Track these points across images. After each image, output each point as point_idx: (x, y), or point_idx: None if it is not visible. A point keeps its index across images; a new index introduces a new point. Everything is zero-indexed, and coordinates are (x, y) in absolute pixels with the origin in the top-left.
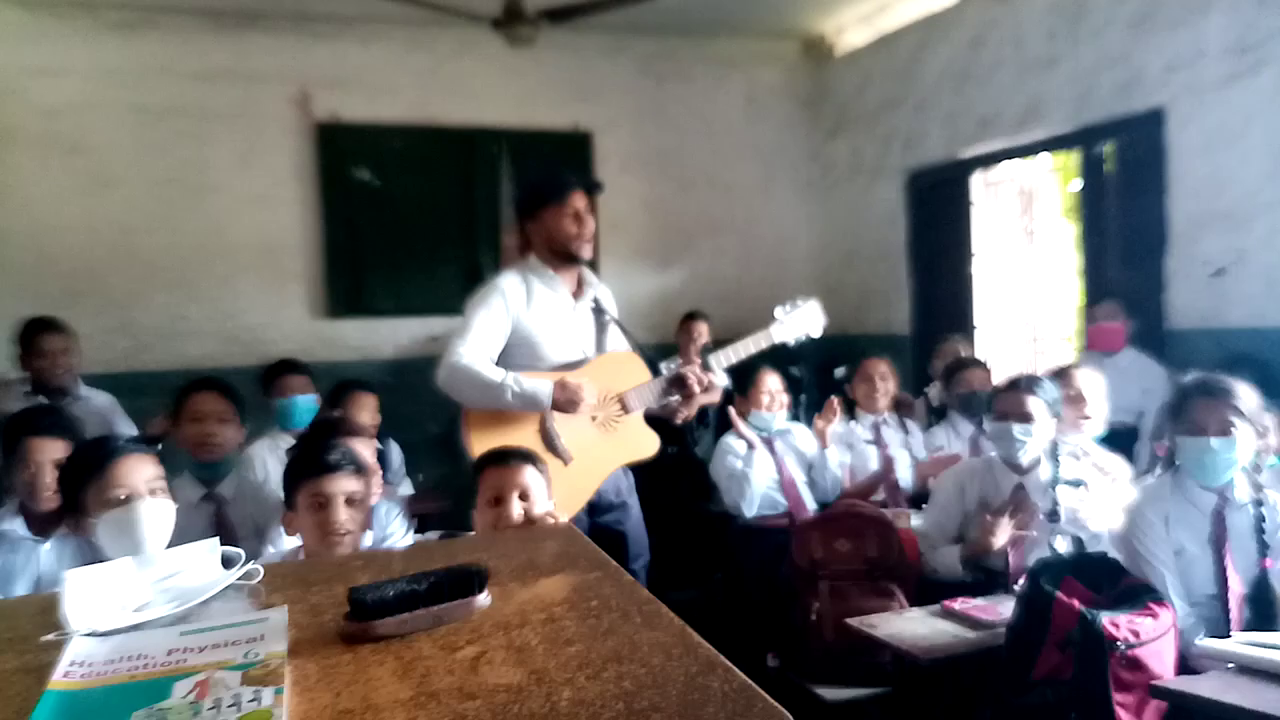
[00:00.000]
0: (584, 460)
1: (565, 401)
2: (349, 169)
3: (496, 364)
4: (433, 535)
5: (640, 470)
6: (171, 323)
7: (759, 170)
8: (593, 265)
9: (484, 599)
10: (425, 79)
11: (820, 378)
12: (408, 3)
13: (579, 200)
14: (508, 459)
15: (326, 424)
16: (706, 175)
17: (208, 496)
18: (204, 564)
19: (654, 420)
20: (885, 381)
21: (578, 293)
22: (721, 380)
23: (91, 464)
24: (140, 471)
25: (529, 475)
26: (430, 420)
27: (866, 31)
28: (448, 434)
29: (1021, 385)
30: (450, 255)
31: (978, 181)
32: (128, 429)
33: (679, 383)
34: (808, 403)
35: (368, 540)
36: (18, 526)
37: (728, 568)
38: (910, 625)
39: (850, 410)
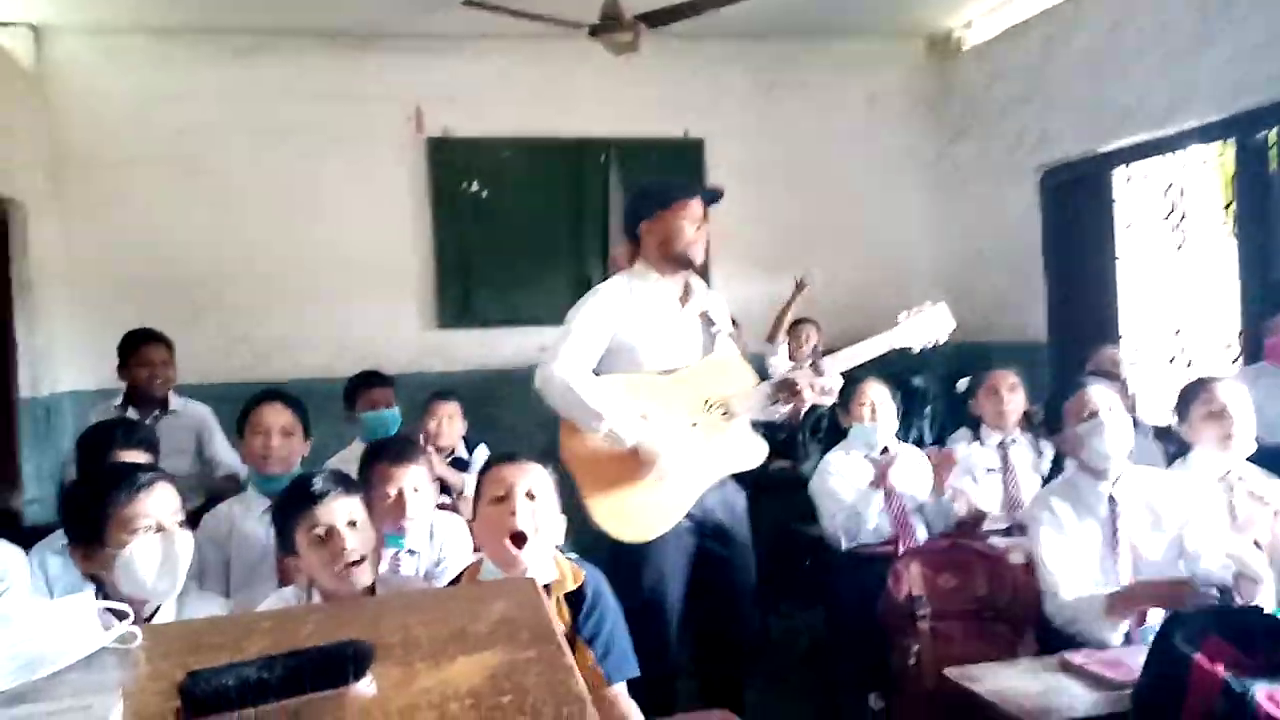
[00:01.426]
0: (685, 470)
1: (644, 455)
2: (460, 183)
3: (596, 370)
4: None
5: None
6: (289, 335)
7: (880, 175)
8: (703, 274)
9: (364, 687)
10: (533, 92)
11: (948, 389)
12: (510, 14)
13: (697, 206)
14: (516, 456)
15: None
16: (824, 181)
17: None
18: (78, 623)
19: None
20: (1014, 394)
21: (684, 298)
22: (836, 382)
23: (118, 492)
24: (167, 503)
25: (538, 476)
26: (537, 431)
27: (995, 24)
28: (552, 446)
29: (1080, 385)
30: (559, 266)
31: (1120, 178)
32: (222, 441)
33: (787, 387)
34: (933, 416)
35: (410, 565)
36: None
37: (829, 597)
38: (1020, 680)
39: (975, 429)
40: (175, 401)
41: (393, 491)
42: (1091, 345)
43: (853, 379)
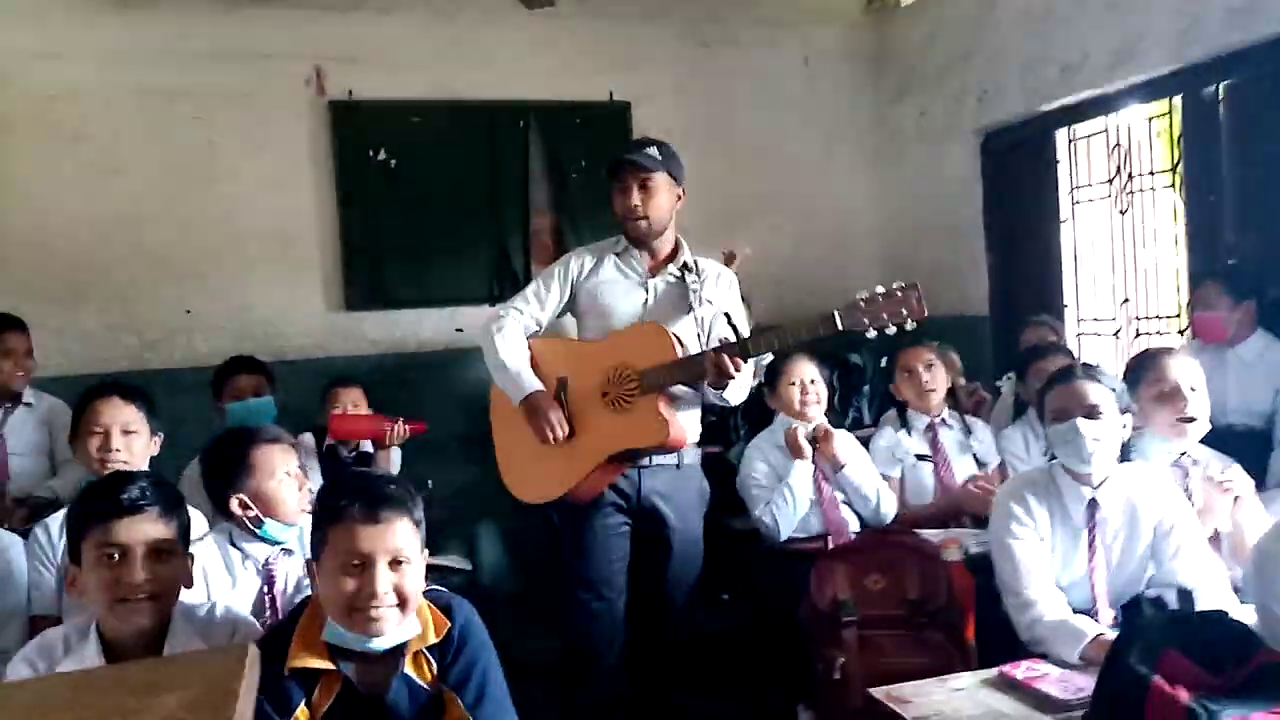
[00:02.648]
0: (586, 437)
1: (528, 412)
2: (366, 151)
3: (546, 331)
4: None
5: None
6: (180, 318)
7: (816, 139)
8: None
9: None
10: (445, 53)
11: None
12: None
13: (626, 174)
14: (378, 514)
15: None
16: (758, 147)
17: None
18: None
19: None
20: (932, 372)
21: (657, 268)
22: (747, 372)
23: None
24: None
25: (404, 534)
26: (457, 417)
27: None
28: (479, 432)
29: (1078, 373)
30: (476, 241)
31: (1062, 139)
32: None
33: (695, 366)
34: (872, 396)
35: (285, 568)
36: None
37: (755, 598)
38: (955, 700)
39: (903, 413)
40: (29, 395)
41: (289, 472)
42: (1033, 317)
43: (780, 355)
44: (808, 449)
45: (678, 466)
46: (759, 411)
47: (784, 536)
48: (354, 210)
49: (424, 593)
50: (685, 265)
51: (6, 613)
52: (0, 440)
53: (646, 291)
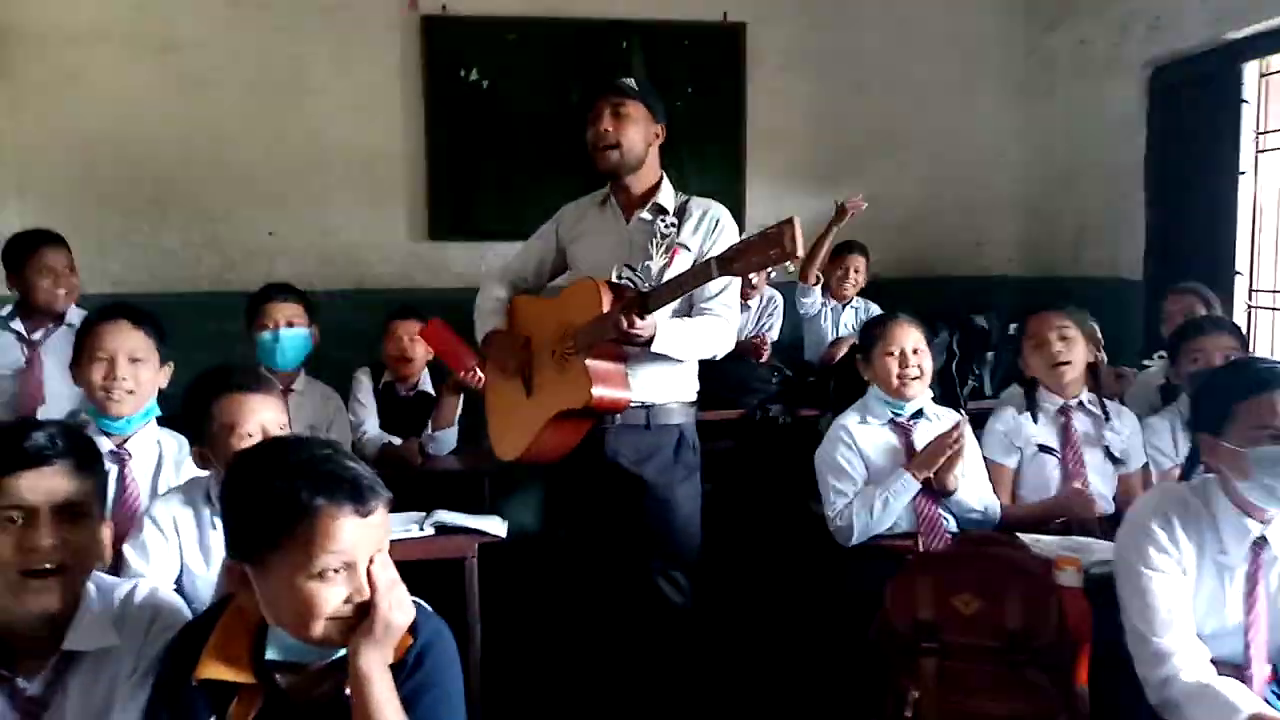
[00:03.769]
0: (537, 397)
1: (492, 352)
2: (457, 70)
3: (530, 291)
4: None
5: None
6: (263, 240)
7: (956, 70)
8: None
9: None
10: None
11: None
12: None
13: (601, 102)
14: (367, 505)
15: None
16: (888, 76)
17: (114, 454)
18: None
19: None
20: (1067, 344)
21: (631, 210)
22: (649, 329)
23: None
24: None
25: (382, 535)
26: None
27: None
28: None
29: (1261, 379)
30: (570, 170)
31: (1251, 74)
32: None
33: (599, 328)
34: (994, 365)
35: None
36: None
37: (829, 598)
38: None
39: (1032, 391)
40: (74, 315)
41: (249, 426)
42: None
43: (880, 319)
44: (947, 472)
45: (646, 427)
46: (848, 376)
47: (855, 543)
48: (442, 133)
49: None
50: (658, 206)
51: None
52: (38, 361)
53: (620, 240)
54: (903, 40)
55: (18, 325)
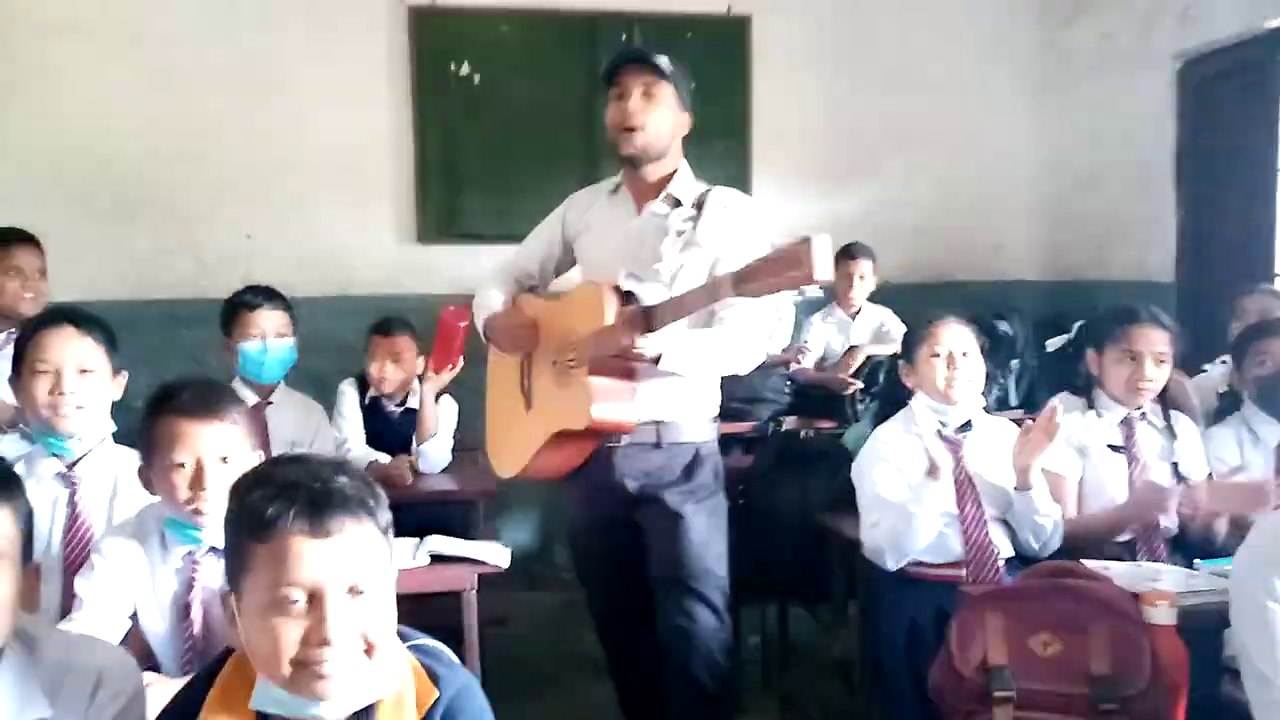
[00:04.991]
0: (537, 412)
1: (497, 335)
2: (448, 64)
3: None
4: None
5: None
6: (241, 243)
7: (969, 65)
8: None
9: None
10: None
11: (1040, 338)
12: None
13: (629, 78)
14: (326, 521)
15: None
16: (900, 72)
17: (63, 477)
18: None
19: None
20: (1162, 368)
21: (643, 202)
22: (653, 349)
23: None
24: None
25: (365, 552)
26: None
27: None
28: None
29: None
30: (566, 169)
31: None
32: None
33: (603, 337)
34: (1020, 374)
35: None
36: None
37: (866, 628)
38: None
39: (1082, 393)
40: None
41: (186, 460)
42: (1235, 288)
43: (926, 318)
44: (946, 463)
45: (656, 445)
46: (890, 384)
47: (894, 568)
48: (431, 130)
49: (411, 645)
50: (673, 197)
51: None
52: None
53: (625, 235)
54: (915, 35)
55: None
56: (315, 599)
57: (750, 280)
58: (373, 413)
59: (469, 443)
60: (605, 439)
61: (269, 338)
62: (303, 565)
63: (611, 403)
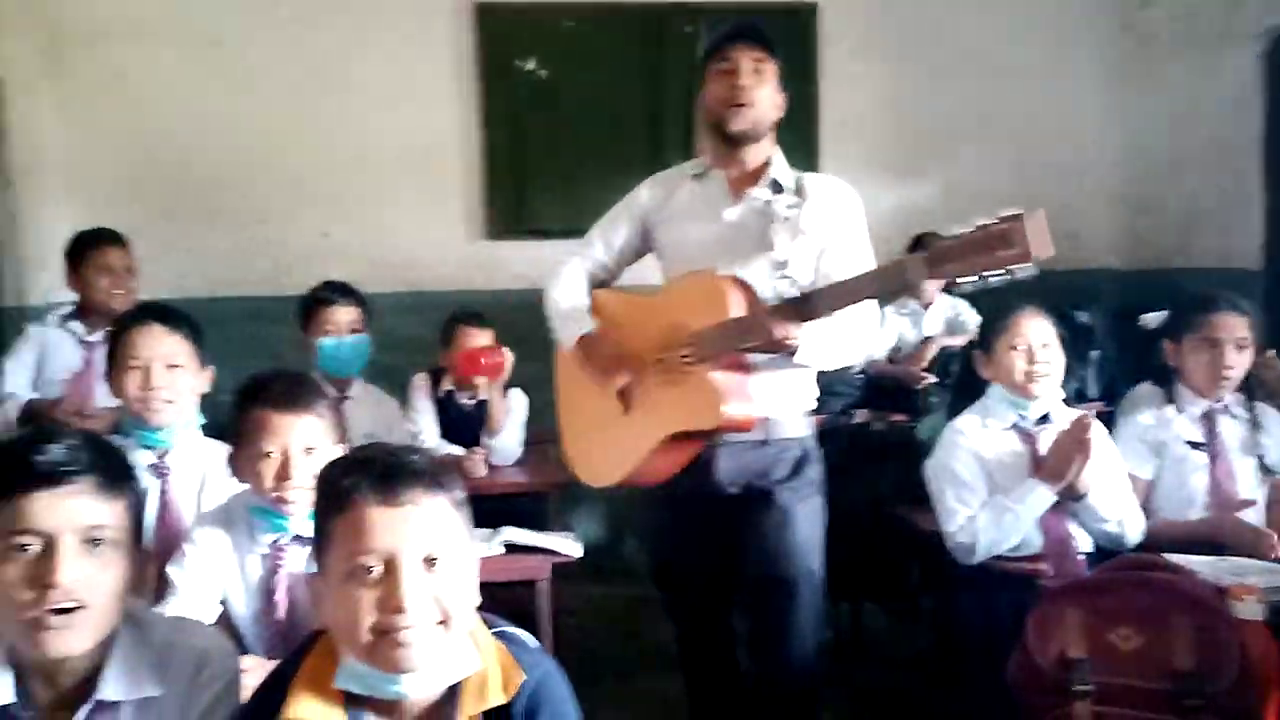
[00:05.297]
0: (641, 413)
1: (583, 357)
2: (513, 60)
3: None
4: (513, 536)
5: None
6: (317, 241)
7: (1046, 49)
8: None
9: None
10: None
11: (1121, 329)
12: None
13: (738, 52)
14: (398, 492)
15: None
16: (971, 59)
17: (155, 469)
18: None
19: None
20: (1241, 354)
21: (741, 188)
22: (794, 335)
23: None
24: None
25: (439, 523)
26: None
27: None
28: None
29: None
30: (633, 163)
31: None
32: None
33: (748, 329)
34: (1100, 366)
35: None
36: None
37: (940, 622)
38: None
39: (1163, 384)
40: None
41: (274, 450)
42: None
43: (1007, 309)
44: (1076, 475)
45: (763, 443)
46: (966, 375)
47: (977, 561)
48: (497, 126)
49: (495, 631)
50: (775, 184)
51: None
52: (93, 365)
53: (725, 224)
54: (988, 19)
55: (76, 326)
56: (390, 567)
57: (949, 261)
58: (446, 406)
59: (540, 436)
60: (716, 438)
61: (343, 332)
62: (377, 533)
63: (737, 400)
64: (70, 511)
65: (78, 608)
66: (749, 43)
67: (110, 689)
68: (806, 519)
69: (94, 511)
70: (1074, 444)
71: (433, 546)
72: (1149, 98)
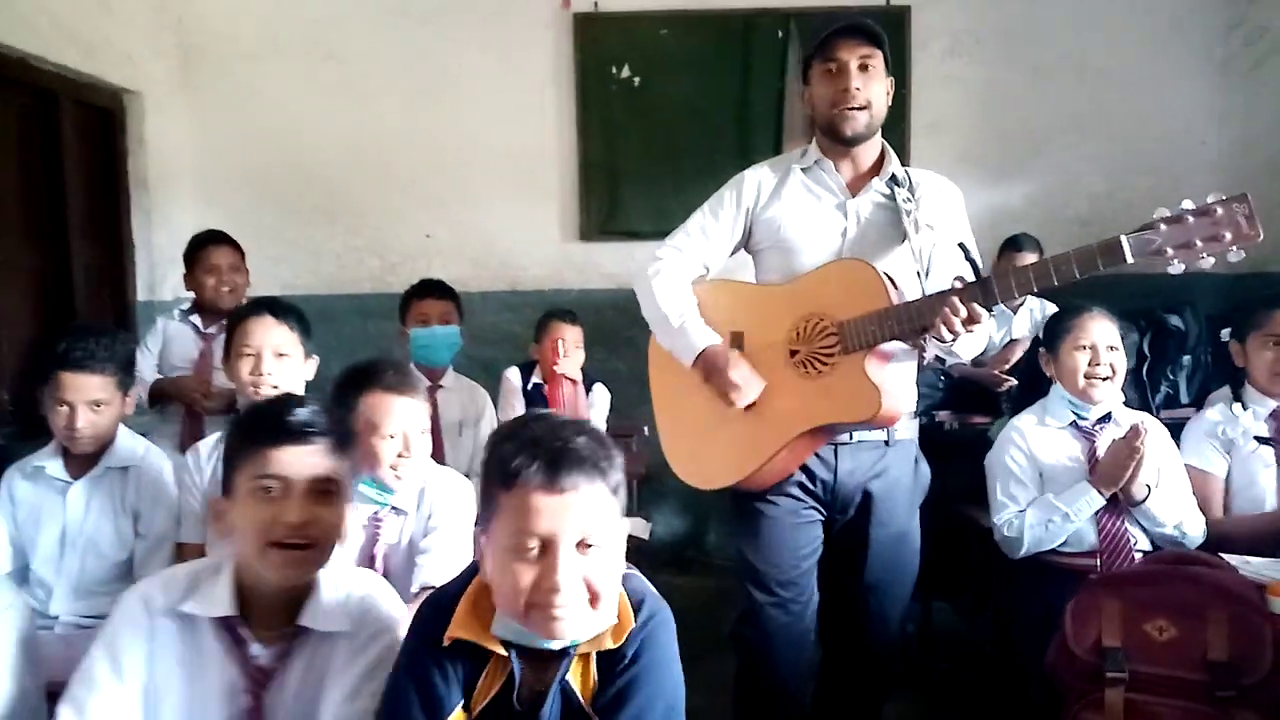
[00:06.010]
0: (770, 409)
1: (706, 372)
2: (609, 67)
3: (709, 276)
4: None
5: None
6: (421, 243)
7: (1147, 49)
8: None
9: None
10: None
11: (1215, 334)
12: None
13: (845, 51)
14: (561, 479)
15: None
16: (1068, 58)
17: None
18: None
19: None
20: None
21: (859, 182)
22: (987, 322)
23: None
24: None
25: (599, 509)
26: None
27: None
28: None
29: None
30: (723, 167)
31: None
32: None
33: (915, 315)
34: (1191, 370)
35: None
36: (57, 468)
37: (996, 613)
38: None
39: (1234, 386)
40: None
41: (391, 428)
42: None
43: (1067, 308)
44: (1128, 482)
45: (886, 444)
46: (1031, 372)
47: (1023, 555)
48: (593, 132)
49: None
50: (894, 178)
51: (155, 537)
52: (210, 355)
53: (846, 217)
54: (1084, 17)
55: (195, 320)
56: (548, 548)
57: (1160, 240)
58: (535, 398)
59: (622, 429)
60: (841, 433)
61: (433, 322)
62: (539, 517)
63: (892, 390)
64: (309, 464)
65: (306, 543)
66: (854, 39)
67: (312, 618)
68: (918, 528)
69: (325, 466)
70: (1128, 451)
71: (588, 531)
72: (1255, 96)
